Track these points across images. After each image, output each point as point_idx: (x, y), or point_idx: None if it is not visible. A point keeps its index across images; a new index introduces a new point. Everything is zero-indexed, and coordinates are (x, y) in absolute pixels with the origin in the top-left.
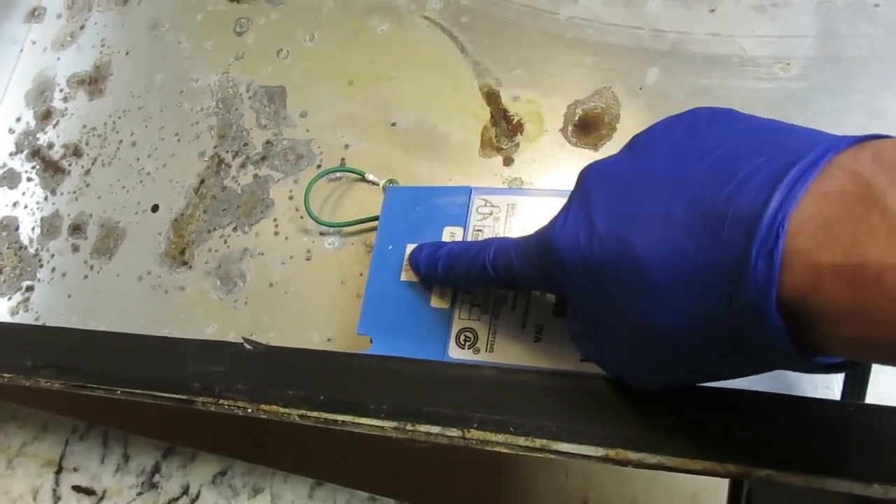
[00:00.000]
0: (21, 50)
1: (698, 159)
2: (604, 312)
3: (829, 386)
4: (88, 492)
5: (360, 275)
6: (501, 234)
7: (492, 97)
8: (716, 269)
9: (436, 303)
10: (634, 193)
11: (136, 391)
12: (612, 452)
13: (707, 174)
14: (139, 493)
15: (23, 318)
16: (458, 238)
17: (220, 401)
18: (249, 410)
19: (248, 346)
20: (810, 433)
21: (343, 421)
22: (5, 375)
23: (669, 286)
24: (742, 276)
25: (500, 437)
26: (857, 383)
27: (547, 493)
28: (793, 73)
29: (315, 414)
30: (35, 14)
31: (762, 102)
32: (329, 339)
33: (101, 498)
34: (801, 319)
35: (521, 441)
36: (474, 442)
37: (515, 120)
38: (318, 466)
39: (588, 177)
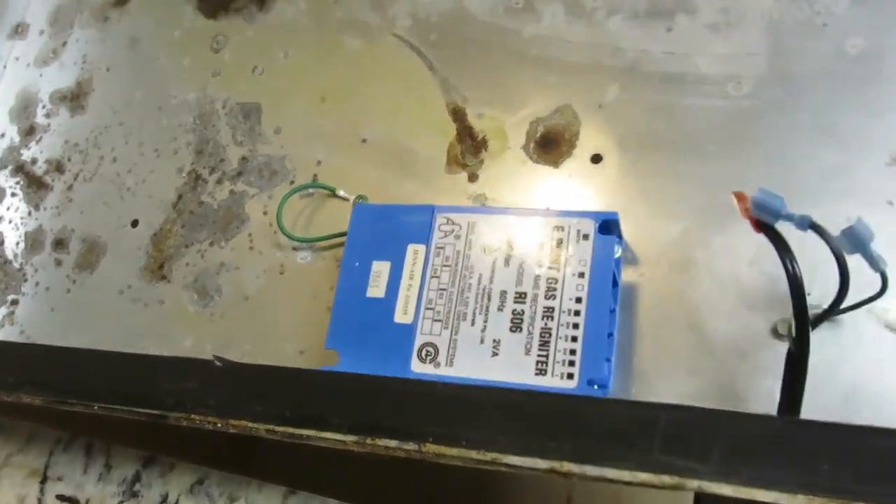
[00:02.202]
0: (4, 66)
1: None
2: None
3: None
4: (72, 500)
5: (331, 289)
6: (462, 253)
7: (458, 114)
8: None
9: (399, 318)
10: None
11: (113, 406)
12: (556, 465)
13: None
14: (121, 502)
15: (8, 331)
16: (421, 257)
17: (192, 416)
18: (219, 425)
19: (218, 363)
20: (744, 446)
21: (308, 435)
22: None
23: None
24: None
25: (454, 451)
26: (791, 399)
27: (531, 490)
28: (744, 91)
29: (282, 429)
30: (18, 30)
31: (714, 120)
32: (302, 352)
33: None
34: None
35: (474, 454)
36: (430, 455)
37: (480, 137)
38: (292, 475)
39: None
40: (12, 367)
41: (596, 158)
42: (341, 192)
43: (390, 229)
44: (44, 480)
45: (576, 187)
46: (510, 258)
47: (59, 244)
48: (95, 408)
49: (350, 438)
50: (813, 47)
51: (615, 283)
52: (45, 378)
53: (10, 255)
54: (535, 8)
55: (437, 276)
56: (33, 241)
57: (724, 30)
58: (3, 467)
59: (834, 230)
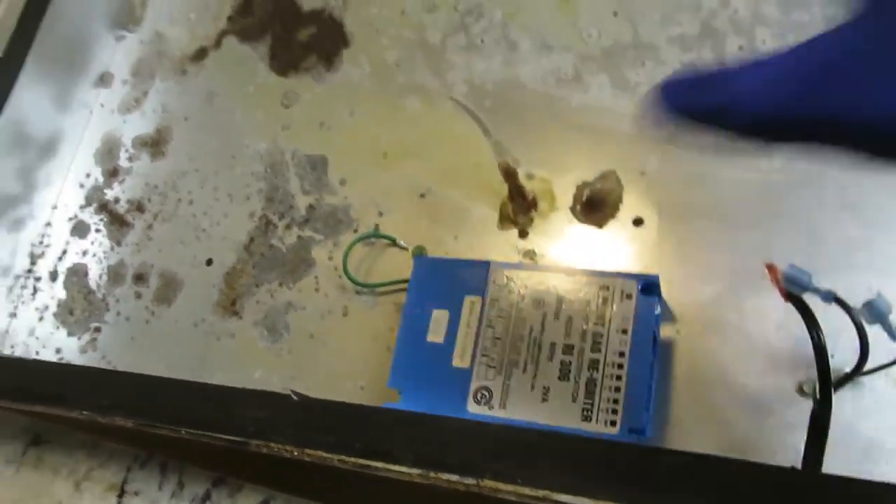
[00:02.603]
0: (91, 112)
1: None
2: None
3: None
4: None
5: (390, 330)
6: (515, 306)
7: (510, 175)
8: None
9: (457, 363)
10: None
11: (198, 432)
12: None
13: None
14: None
15: (90, 357)
16: (477, 308)
17: (270, 444)
18: (295, 454)
19: (294, 396)
20: (769, 497)
21: (376, 467)
22: (84, 412)
23: None
24: None
25: (510, 487)
26: (814, 453)
27: None
28: (775, 166)
29: (352, 460)
30: (103, 79)
31: (747, 192)
32: (362, 388)
33: None
34: None
35: (527, 491)
36: (487, 490)
37: (530, 197)
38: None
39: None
40: (106, 392)
41: (637, 222)
42: (401, 242)
43: (449, 281)
44: (121, 494)
45: (618, 248)
46: (559, 312)
47: (140, 278)
48: (182, 432)
49: (415, 471)
50: None
51: (655, 339)
52: (137, 403)
53: (93, 285)
54: (583, 80)
55: (492, 326)
56: (115, 275)
57: None
58: (84, 480)
59: (855, 300)
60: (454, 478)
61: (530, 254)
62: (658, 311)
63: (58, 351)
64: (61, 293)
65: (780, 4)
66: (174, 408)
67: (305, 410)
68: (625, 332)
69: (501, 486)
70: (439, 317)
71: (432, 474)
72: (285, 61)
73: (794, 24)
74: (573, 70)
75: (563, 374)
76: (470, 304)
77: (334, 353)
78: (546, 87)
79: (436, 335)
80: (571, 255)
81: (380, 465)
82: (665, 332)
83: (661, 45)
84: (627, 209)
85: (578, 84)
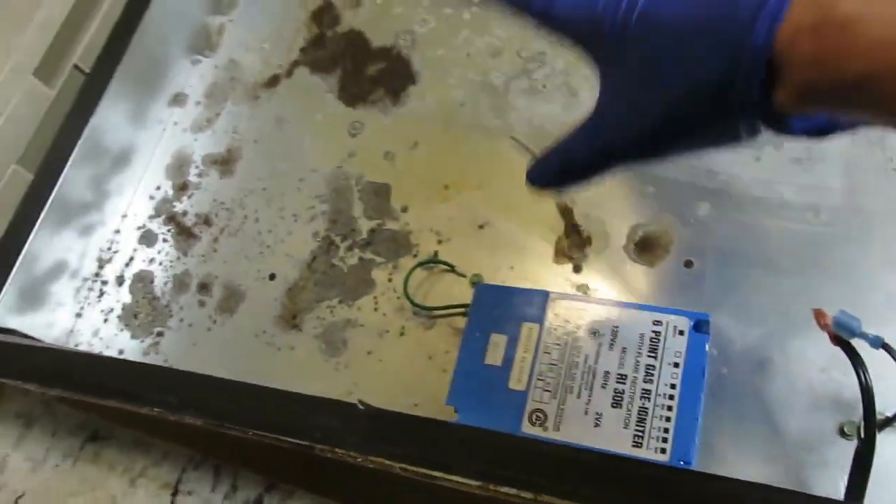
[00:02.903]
0: (164, 129)
1: None
2: (628, 70)
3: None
4: None
5: (446, 352)
6: (571, 335)
7: (566, 212)
8: (727, 25)
9: (514, 385)
10: None
11: (266, 434)
12: None
13: None
14: None
15: (152, 359)
16: (535, 335)
17: (336, 449)
18: (359, 460)
19: (360, 406)
20: None
21: (436, 476)
22: (155, 410)
23: (686, 43)
24: (748, 31)
25: (565, 503)
26: (856, 490)
27: None
28: (821, 219)
29: (414, 468)
30: (177, 99)
31: (794, 243)
32: (416, 405)
33: None
34: (780, 77)
35: None
36: None
37: (585, 234)
38: None
39: None
40: (175, 391)
41: (688, 263)
42: (459, 270)
43: (509, 307)
44: (175, 493)
45: (668, 287)
46: (614, 344)
47: (204, 288)
48: (250, 433)
49: (474, 483)
50: (884, 189)
51: (703, 374)
52: (206, 403)
53: (158, 292)
54: None
55: (548, 353)
56: (180, 283)
57: (806, 164)
58: (139, 477)
59: None
60: (512, 491)
61: (583, 288)
62: (708, 347)
63: (121, 352)
64: (126, 297)
65: None
66: (242, 409)
67: (371, 420)
68: (676, 365)
69: (557, 501)
70: (498, 341)
71: (491, 486)
72: (354, 93)
73: None
74: None
75: (616, 402)
76: (528, 330)
77: (390, 370)
78: None
79: (494, 358)
80: (623, 292)
81: (440, 474)
82: (712, 369)
83: None
84: (678, 251)
85: None
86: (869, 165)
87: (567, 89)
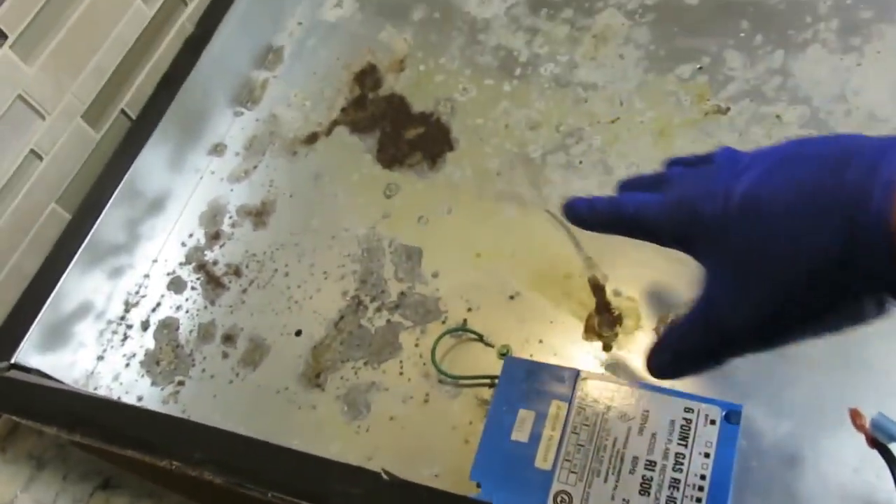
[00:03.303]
0: (201, 178)
1: (810, 149)
2: (735, 260)
3: None
4: None
5: (470, 423)
6: (601, 416)
7: (597, 289)
8: (838, 200)
9: (539, 464)
10: (762, 168)
11: (286, 497)
12: None
13: (824, 149)
14: None
15: (171, 408)
16: (563, 413)
17: None
18: None
19: (385, 476)
20: None
21: None
22: (174, 463)
23: (795, 222)
24: (863, 203)
25: None
26: None
27: None
28: None
29: None
30: (217, 149)
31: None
32: (436, 475)
33: None
34: None
35: None
36: None
37: (616, 313)
38: None
39: (720, 156)
40: (197, 445)
41: None
42: (487, 339)
43: (538, 383)
44: None
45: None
46: (644, 428)
47: (228, 339)
48: (269, 495)
49: None
50: None
51: (733, 466)
52: (227, 460)
53: (182, 340)
54: None
55: (576, 433)
56: (205, 332)
57: None
58: None
59: None
60: None
61: (612, 368)
62: (739, 438)
63: (139, 399)
64: (150, 343)
65: None
66: (265, 470)
67: (394, 490)
68: (707, 455)
69: None
70: (525, 416)
71: None
72: (391, 155)
73: None
74: None
75: (644, 489)
76: (556, 407)
77: (412, 437)
78: None
79: (520, 434)
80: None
81: None
82: (741, 461)
83: None
84: None
85: None
86: None
87: (603, 167)
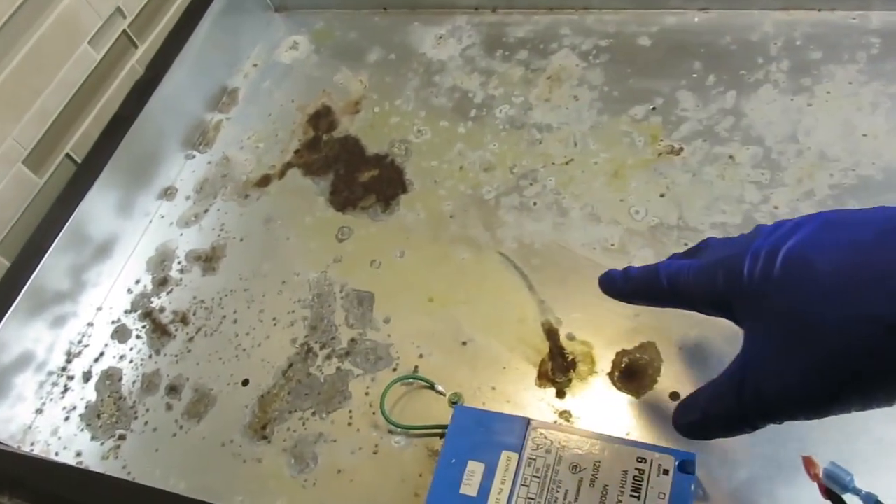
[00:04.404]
0: (150, 222)
1: (856, 215)
2: (778, 324)
3: None
4: None
5: (420, 476)
6: (551, 467)
7: (551, 334)
8: (884, 255)
9: None
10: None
11: None
12: None
13: (870, 214)
14: None
15: (111, 464)
16: (513, 464)
17: None
18: None
19: None
20: None
21: None
22: None
23: (847, 285)
24: None
25: None
26: None
27: None
28: None
29: None
30: (167, 193)
31: None
32: None
33: None
34: None
35: None
36: None
37: (570, 358)
38: None
39: (760, 226)
40: None
41: (674, 395)
42: (438, 387)
43: (487, 434)
44: None
45: (653, 419)
46: (595, 480)
47: (173, 390)
48: None
49: None
50: None
51: None
52: None
53: (125, 391)
54: (628, 251)
55: (526, 485)
56: (149, 383)
57: None
58: None
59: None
60: None
61: (566, 414)
62: (693, 489)
63: (78, 454)
64: (91, 395)
65: (817, 207)
66: None
67: None
68: None
69: None
70: (474, 469)
71: None
72: (344, 198)
73: None
74: (619, 241)
75: None
76: (507, 459)
77: (360, 491)
78: (591, 254)
79: (469, 488)
80: (607, 421)
81: None
82: None
83: (705, 230)
84: (665, 381)
85: (623, 255)
86: None
87: (557, 208)
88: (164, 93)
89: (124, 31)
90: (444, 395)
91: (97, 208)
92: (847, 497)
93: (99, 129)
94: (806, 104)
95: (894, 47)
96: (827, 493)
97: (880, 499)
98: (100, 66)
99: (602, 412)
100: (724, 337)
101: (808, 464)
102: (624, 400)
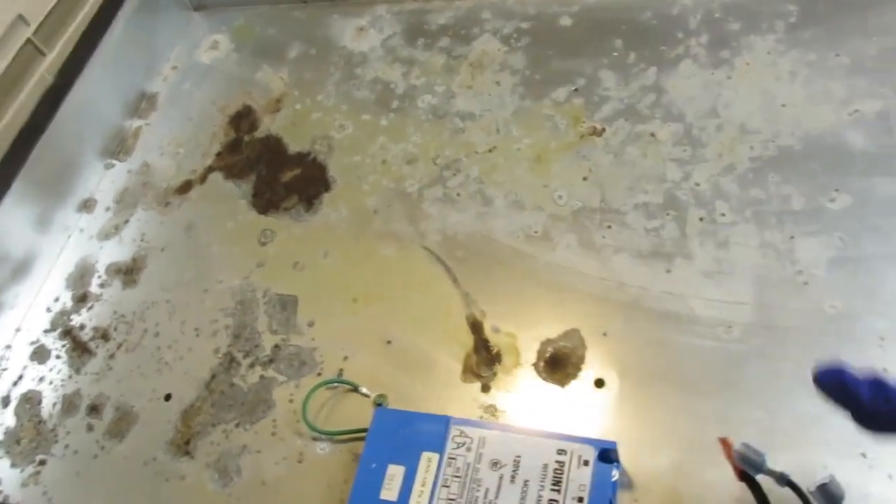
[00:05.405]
0: (69, 236)
1: None
2: None
3: None
4: None
5: (345, 482)
6: (472, 466)
7: (476, 327)
8: None
9: None
10: None
11: None
12: None
13: None
14: None
15: (32, 491)
16: (434, 465)
17: None
18: None
19: None
20: None
21: None
22: None
23: None
24: None
25: None
26: None
27: None
28: (733, 335)
29: None
30: (86, 205)
31: (706, 360)
32: None
33: None
34: None
35: None
36: None
37: (495, 351)
38: None
39: None
40: None
41: (599, 383)
42: (363, 389)
43: (408, 435)
44: None
45: (579, 408)
46: (515, 476)
47: (94, 410)
48: None
49: None
50: (795, 303)
51: None
52: None
53: (45, 414)
54: (552, 238)
55: (447, 486)
56: (69, 404)
57: (716, 277)
58: None
59: (808, 477)
60: None
61: (491, 409)
62: (615, 478)
63: None
64: (11, 420)
65: (737, 181)
66: None
67: None
68: (581, 500)
69: None
70: (395, 473)
71: None
72: (266, 200)
73: (751, 200)
74: (543, 228)
75: None
76: (427, 460)
77: (284, 502)
78: (515, 242)
79: (390, 492)
80: (532, 413)
81: None
82: (622, 498)
83: (628, 211)
84: (589, 369)
85: (547, 242)
86: (778, 279)
87: (481, 197)
88: (76, 99)
89: (29, 39)
90: (369, 397)
91: (13, 224)
92: (760, 478)
93: (8, 142)
94: (726, 77)
95: (811, 15)
96: (741, 474)
97: (792, 479)
98: (4, 75)
99: (527, 405)
100: (647, 319)
101: (724, 444)
102: (550, 391)
